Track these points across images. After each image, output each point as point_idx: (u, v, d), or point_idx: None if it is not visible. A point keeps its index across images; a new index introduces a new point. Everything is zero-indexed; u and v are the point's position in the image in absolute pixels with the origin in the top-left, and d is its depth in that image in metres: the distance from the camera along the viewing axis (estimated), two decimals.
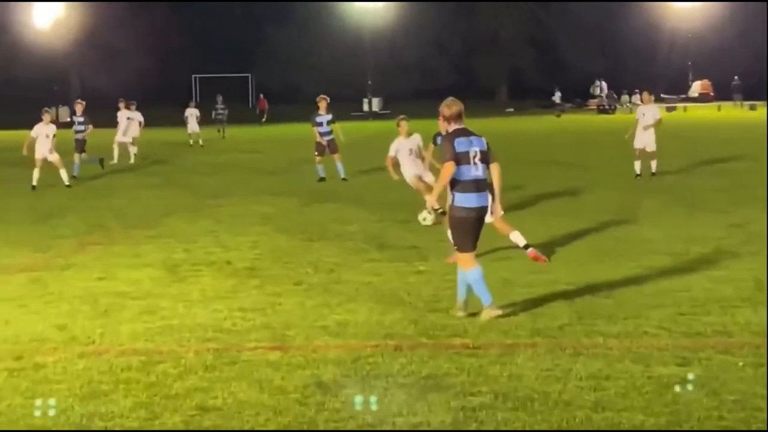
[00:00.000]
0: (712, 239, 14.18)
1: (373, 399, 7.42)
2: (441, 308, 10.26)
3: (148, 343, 9.25)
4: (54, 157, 24.60)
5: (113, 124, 34.40)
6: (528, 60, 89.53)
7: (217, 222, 17.38)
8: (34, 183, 24.15)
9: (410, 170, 17.19)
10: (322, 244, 14.72)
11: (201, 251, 14.34)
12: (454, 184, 9.68)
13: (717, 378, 7.67)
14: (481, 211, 9.78)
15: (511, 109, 75.83)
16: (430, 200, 10.24)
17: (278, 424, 7.00)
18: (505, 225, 13.35)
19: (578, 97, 77.11)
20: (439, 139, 13.14)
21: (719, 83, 74.20)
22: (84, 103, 29.37)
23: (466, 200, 9.68)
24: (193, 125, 41.80)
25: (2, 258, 14.22)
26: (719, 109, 67.42)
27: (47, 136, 24.60)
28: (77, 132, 28.24)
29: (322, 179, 24.22)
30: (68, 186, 24.46)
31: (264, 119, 64.08)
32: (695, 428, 6.73)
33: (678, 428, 6.74)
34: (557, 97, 72.32)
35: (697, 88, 77.39)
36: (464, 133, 9.77)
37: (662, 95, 71.52)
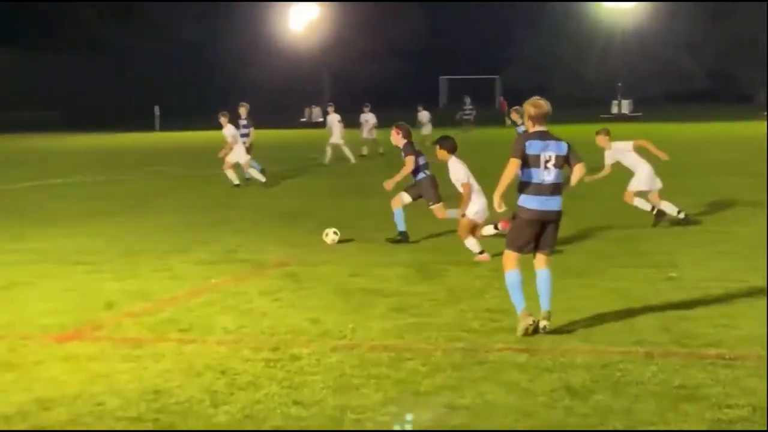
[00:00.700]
0: None
1: (623, 406, 7.28)
2: (693, 316, 9.94)
3: (397, 339, 9.42)
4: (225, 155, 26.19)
5: (355, 125, 35.48)
6: None
7: None
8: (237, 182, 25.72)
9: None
10: (570, 247, 14.56)
11: (448, 252, 14.48)
12: (521, 185, 9.51)
13: None
14: (544, 215, 9.47)
15: None
16: (495, 200, 9.70)
17: (527, 425, 6.98)
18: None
19: None
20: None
21: None
22: (247, 105, 28.81)
23: (529, 202, 9.47)
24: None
25: (259, 254, 14.85)
26: None
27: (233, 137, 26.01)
28: (242, 136, 27.36)
29: None
30: (236, 185, 25.76)
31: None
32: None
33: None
34: None
35: None
36: (542, 136, 9.53)
37: None
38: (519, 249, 9.62)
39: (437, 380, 8.04)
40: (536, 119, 9.57)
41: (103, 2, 73.53)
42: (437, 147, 14.28)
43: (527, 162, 9.41)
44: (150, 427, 7.12)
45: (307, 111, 72.54)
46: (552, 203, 9.48)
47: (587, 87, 69.29)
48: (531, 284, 9.66)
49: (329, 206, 21.07)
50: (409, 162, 15.39)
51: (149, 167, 33.47)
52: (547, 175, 9.40)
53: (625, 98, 75.58)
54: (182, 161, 36.36)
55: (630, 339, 9.13)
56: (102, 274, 13.31)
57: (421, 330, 9.69)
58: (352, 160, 33.78)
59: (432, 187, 15.49)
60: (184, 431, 7.04)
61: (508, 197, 9.52)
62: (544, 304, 9.56)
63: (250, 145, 27.39)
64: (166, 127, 64.42)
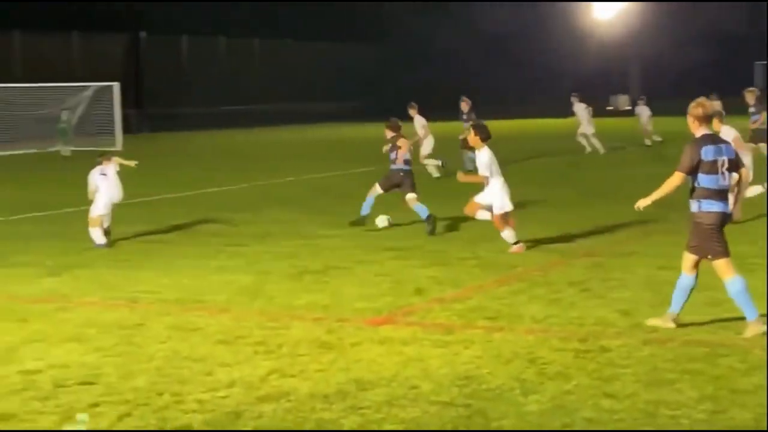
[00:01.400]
0: None
1: None
2: None
3: (711, 335, 9.10)
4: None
5: (663, 113, 34.48)
6: None
7: None
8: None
9: None
10: None
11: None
12: (699, 192, 9.00)
13: None
14: (726, 218, 9.04)
15: None
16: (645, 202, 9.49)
17: None
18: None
19: None
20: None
21: None
22: (469, 101, 28.77)
23: (712, 206, 8.97)
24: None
25: (565, 242, 14.77)
26: None
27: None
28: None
29: None
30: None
31: None
32: None
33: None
34: None
35: None
36: (713, 140, 9.01)
37: None
38: (728, 252, 9.16)
39: (755, 379, 7.69)
40: (704, 121, 9.15)
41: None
42: (471, 133, 14.22)
43: (703, 169, 9.00)
44: (462, 412, 7.25)
45: (612, 99, 71.62)
46: (728, 207, 9.16)
47: None
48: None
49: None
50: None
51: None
52: (723, 180, 9.05)
53: None
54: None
55: None
56: (411, 260, 13.67)
57: (735, 326, 9.28)
58: (601, 150, 32.90)
59: None
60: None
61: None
62: (678, 305, 9.47)
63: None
64: (470, 117, 65.33)
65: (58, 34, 52.78)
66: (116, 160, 16.79)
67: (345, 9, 71.54)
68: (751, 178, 11.73)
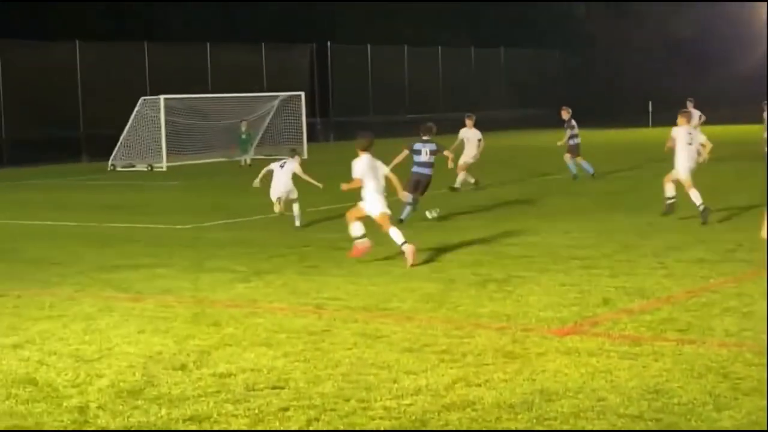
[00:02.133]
0: None
1: None
2: None
3: None
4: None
5: None
6: None
7: None
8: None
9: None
10: None
11: None
12: None
13: None
14: None
15: None
16: None
17: None
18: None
19: None
20: None
21: None
22: (569, 109, 28.90)
23: None
24: None
25: (761, 253, 14.23)
26: None
27: None
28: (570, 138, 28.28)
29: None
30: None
31: None
32: None
33: None
34: None
35: None
36: None
37: None
38: None
39: None
40: None
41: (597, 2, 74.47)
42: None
43: None
44: (652, 426, 7.08)
45: None
46: None
47: None
48: None
49: None
50: None
51: (643, 162, 33.30)
52: None
53: None
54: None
55: None
56: (598, 270, 13.45)
57: None
58: None
59: None
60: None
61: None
62: None
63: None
64: (658, 122, 64.06)
65: (248, 45, 54.39)
66: (305, 176, 17.79)
67: (529, 15, 71.12)
68: None
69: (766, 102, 35.76)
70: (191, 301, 12.21)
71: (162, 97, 40.83)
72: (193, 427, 7.44)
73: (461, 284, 12.74)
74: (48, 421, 7.67)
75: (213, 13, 56.76)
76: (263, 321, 10.91)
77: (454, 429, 7.23)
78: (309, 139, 46.06)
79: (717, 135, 35.72)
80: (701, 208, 17.84)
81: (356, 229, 14.98)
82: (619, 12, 74.34)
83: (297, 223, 19.29)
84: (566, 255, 14.75)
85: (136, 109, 41.59)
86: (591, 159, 29.42)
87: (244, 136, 40.66)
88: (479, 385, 8.17)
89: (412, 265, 14.15)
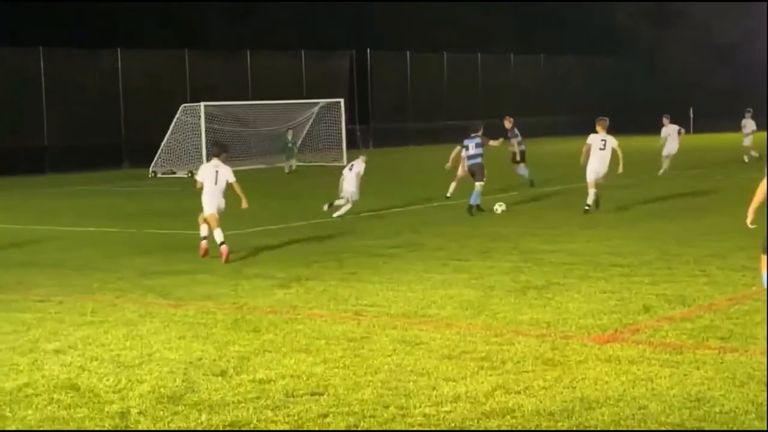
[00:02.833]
0: None
1: None
2: None
3: None
4: None
5: None
6: None
7: None
8: None
9: None
10: None
11: None
12: None
13: None
14: None
15: None
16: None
17: None
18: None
19: None
20: None
21: None
22: (512, 119, 29.19)
23: None
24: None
25: None
26: None
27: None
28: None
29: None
30: None
31: None
32: None
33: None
34: None
35: None
36: None
37: None
38: None
39: None
40: None
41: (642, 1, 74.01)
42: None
43: None
44: None
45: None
46: None
47: None
48: None
49: None
50: None
51: (683, 170, 33.07)
52: None
53: None
54: (715, 163, 35.52)
55: None
56: (638, 277, 13.37)
57: None
58: None
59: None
60: None
61: None
62: None
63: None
64: (699, 129, 63.60)
65: (288, 53, 54.62)
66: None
67: (570, 21, 70.86)
68: None
69: (749, 111, 36.22)
70: (231, 308, 12.27)
71: (202, 104, 41.11)
72: None
73: (501, 291, 12.70)
74: (90, 426, 7.73)
75: (253, 20, 57.03)
76: (303, 327, 10.94)
77: None
78: (348, 146, 46.15)
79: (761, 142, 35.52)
80: (586, 207, 21.45)
81: (202, 230, 16.93)
82: (661, 17, 73.85)
83: (336, 213, 22.23)
84: (606, 262, 14.67)
85: (176, 116, 41.91)
86: (631, 166, 29.22)
87: (290, 144, 40.84)
88: (519, 393, 8.14)
89: (225, 262, 15.97)
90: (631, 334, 10.07)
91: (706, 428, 7.12)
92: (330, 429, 7.46)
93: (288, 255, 16.72)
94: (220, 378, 8.92)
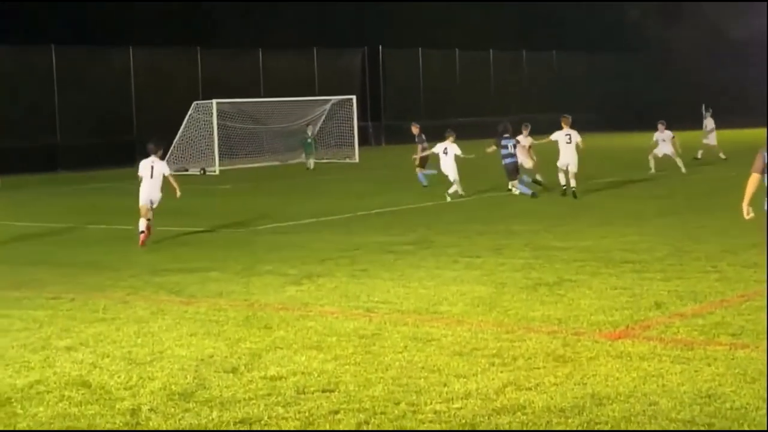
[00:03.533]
0: None
1: None
2: None
3: None
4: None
5: None
6: None
7: None
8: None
9: None
10: None
11: None
12: None
13: None
14: None
15: None
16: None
17: None
18: None
19: None
20: None
21: None
22: (418, 125, 30.29)
23: None
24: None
25: None
26: None
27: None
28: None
29: None
30: None
31: None
32: None
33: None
34: None
35: None
36: None
37: None
38: None
39: None
40: None
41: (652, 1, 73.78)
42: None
43: None
44: (704, 429, 7.00)
45: None
46: None
47: None
48: None
49: None
50: None
51: (696, 166, 33.00)
52: None
53: None
54: (730, 161, 35.38)
55: None
56: (650, 273, 13.34)
57: None
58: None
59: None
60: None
61: None
62: None
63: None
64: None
65: (300, 50, 54.66)
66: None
67: (581, 18, 70.70)
68: None
69: (705, 106, 36.99)
70: (243, 305, 12.29)
71: (214, 101, 41.18)
72: (244, 430, 7.49)
73: (512, 288, 12.69)
74: (101, 423, 7.76)
75: (265, 18, 57.06)
76: (314, 324, 10.95)
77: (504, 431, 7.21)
78: (361, 143, 46.21)
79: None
80: (563, 188, 24.59)
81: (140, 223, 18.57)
82: (673, 14, 73.63)
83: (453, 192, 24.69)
84: (618, 259, 14.64)
85: (188, 113, 41.98)
86: (643, 164, 29.12)
87: (309, 140, 40.88)
88: (530, 389, 8.13)
89: (142, 245, 17.93)
90: (642, 331, 10.05)
91: (717, 424, 7.10)
92: (341, 425, 7.46)
93: (300, 252, 16.73)
94: (231, 375, 8.94)
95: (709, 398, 7.69)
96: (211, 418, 7.76)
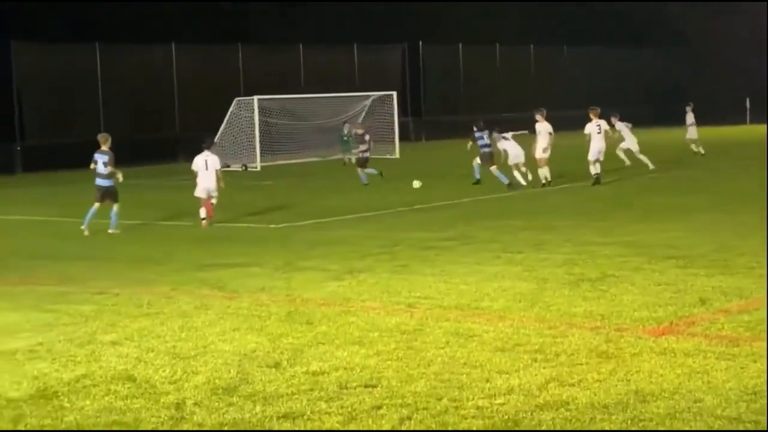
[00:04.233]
0: None
1: None
2: None
3: None
4: None
5: None
6: None
7: None
8: None
9: None
10: None
11: None
12: None
13: None
14: None
15: None
16: None
17: None
18: None
19: None
20: None
21: None
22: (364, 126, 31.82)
23: None
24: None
25: None
26: None
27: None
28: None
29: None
30: None
31: None
32: None
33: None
34: None
35: None
36: None
37: None
38: None
39: None
40: None
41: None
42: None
43: None
44: (750, 428, 6.94)
45: None
46: None
47: None
48: None
49: None
50: None
51: (740, 161, 32.69)
52: None
53: None
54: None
55: None
56: (694, 269, 13.23)
57: None
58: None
59: None
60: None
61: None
62: None
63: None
64: (756, 119, 62.77)
65: (340, 46, 54.76)
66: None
67: (624, 12, 70.22)
68: None
69: (690, 105, 37.10)
70: (285, 300, 12.34)
71: (256, 97, 41.31)
72: (287, 425, 7.52)
73: (554, 283, 12.64)
74: (146, 416, 7.82)
75: (305, 14, 57.19)
76: (356, 319, 10.97)
77: (547, 429, 7.19)
78: (401, 139, 46.19)
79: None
80: (594, 176, 26.07)
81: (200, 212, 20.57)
82: (715, 8, 72.92)
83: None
84: (661, 254, 14.53)
85: (230, 110, 42.17)
86: (684, 158, 28.85)
87: (345, 138, 40.92)
88: (573, 385, 8.10)
89: (204, 228, 20.16)
90: (686, 327, 9.98)
91: (763, 422, 7.03)
92: (383, 421, 7.48)
93: (341, 248, 16.77)
94: (274, 370, 8.98)
95: (755, 395, 7.62)
96: (254, 412, 7.80)
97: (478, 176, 27.72)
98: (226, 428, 7.53)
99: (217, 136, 41.28)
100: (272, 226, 20.48)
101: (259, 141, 40.72)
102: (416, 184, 26.85)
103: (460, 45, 61.93)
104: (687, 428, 7.04)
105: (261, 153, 40.69)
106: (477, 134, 27.58)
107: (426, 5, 61.66)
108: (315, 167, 39.86)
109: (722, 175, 28.51)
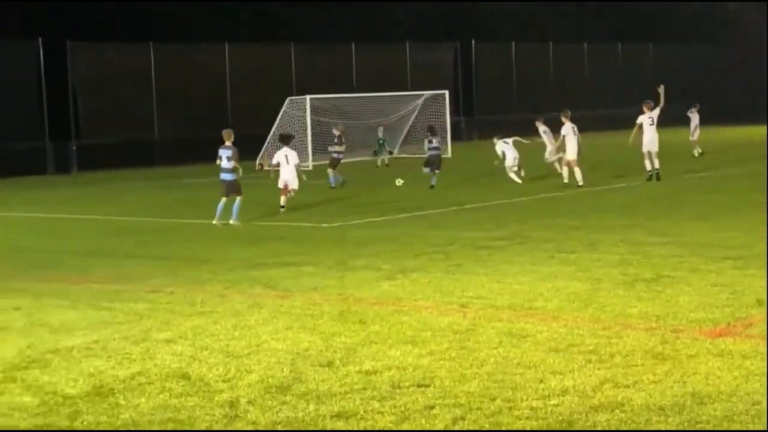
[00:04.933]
0: None
1: None
2: None
3: None
4: None
5: None
6: None
7: None
8: None
9: None
10: None
11: None
12: None
13: None
14: None
15: None
16: None
17: None
18: None
19: None
20: None
21: None
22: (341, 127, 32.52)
23: None
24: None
25: None
26: None
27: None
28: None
29: None
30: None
31: None
32: None
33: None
34: None
35: None
36: None
37: None
38: None
39: None
40: None
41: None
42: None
43: None
44: None
45: None
46: None
47: None
48: None
49: None
50: None
51: None
52: None
53: None
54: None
55: None
56: (751, 270, 13.05)
57: None
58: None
59: None
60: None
61: None
62: None
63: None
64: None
65: (392, 45, 54.74)
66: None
67: (677, 10, 69.51)
68: None
69: (695, 106, 36.98)
70: (337, 299, 12.36)
71: (308, 97, 41.44)
72: (340, 424, 7.53)
73: (608, 284, 12.53)
74: (200, 414, 7.87)
75: (357, 13, 57.28)
76: (408, 319, 10.95)
77: (601, 430, 7.13)
78: (453, 138, 46.08)
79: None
80: (648, 174, 26.94)
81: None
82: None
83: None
84: (718, 255, 14.35)
85: (282, 109, 42.31)
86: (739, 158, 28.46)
87: (381, 141, 40.93)
88: (628, 387, 8.02)
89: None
90: (744, 328, 9.84)
91: None
92: (436, 420, 7.45)
93: (393, 247, 16.76)
94: (326, 369, 8.99)
95: None
96: (307, 411, 7.82)
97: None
98: (279, 427, 7.55)
99: (269, 136, 41.51)
100: (324, 225, 20.53)
101: (311, 140, 40.83)
102: (399, 182, 28.40)
103: (513, 43, 61.66)
104: (745, 430, 6.94)
105: (313, 152, 40.80)
106: (430, 137, 29.95)
107: (479, 3, 61.48)
108: (367, 166, 39.88)
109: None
